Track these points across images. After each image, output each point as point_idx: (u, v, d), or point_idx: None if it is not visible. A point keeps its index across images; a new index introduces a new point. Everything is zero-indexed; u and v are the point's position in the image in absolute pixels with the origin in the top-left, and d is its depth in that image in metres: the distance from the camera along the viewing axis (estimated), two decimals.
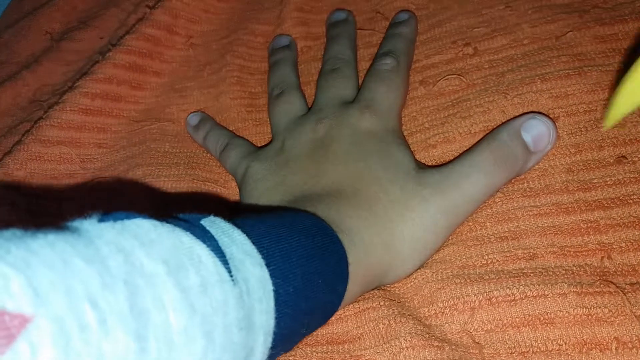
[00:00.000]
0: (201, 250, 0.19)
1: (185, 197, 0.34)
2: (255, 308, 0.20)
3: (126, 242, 0.17)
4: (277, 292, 0.21)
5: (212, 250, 0.19)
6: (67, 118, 0.39)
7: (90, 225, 0.17)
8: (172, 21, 0.43)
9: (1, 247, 0.15)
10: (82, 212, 0.19)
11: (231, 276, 0.19)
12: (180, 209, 0.22)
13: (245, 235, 0.21)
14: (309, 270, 0.23)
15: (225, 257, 0.19)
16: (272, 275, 0.21)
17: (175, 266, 0.17)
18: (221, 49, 0.42)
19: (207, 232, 0.20)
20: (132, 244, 0.17)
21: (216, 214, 0.22)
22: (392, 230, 0.27)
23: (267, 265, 0.21)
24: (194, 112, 0.39)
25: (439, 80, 0.34)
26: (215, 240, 0.20)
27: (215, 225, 0.21)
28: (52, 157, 0.39)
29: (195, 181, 0.35)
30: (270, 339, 0.21)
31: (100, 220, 0.18)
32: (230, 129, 0.38)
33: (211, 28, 0.44)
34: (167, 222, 0.19)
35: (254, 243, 0.21)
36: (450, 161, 0.29)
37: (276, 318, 0.21)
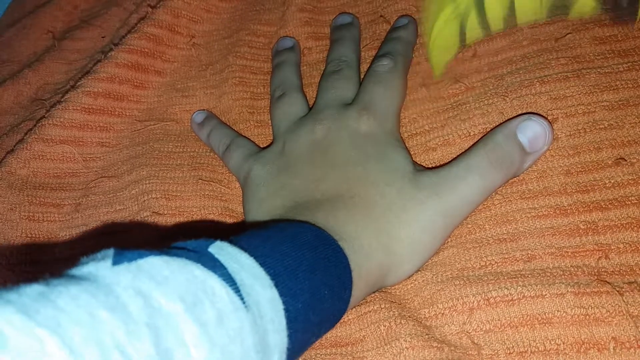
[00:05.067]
0: (214, 281, 0.19)
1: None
2: (268, 329, 0.20)
3: (143, 285, 0.18)
4: (287, 310, 0.21)
5: (224, 279, 0.20)
6: (70, 117, 0.39)
7: (105, 271, 0.18)
8: (174, 20, 0.43)
9: (30, 308, 0.15)
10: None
11: (244, 303, 0.20)
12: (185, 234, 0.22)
13: (252, 258, 0.21)
14: (315, 283, 0.23)
15: (236, 285, 0.20)
16: (281, 295, 0.21)
17: (192, 302, 0.18)
18: (223, 49, 0.42)
19: (217, 260, 0.20)
20: (149, 286, 0.18)
21: (221, 238, 0.22)
22: (389, 233, 0.27)
23: (276, 285, 0.21)
24: (199, 110, 0.39)
25: (439, 82, 0.34)
26: (225, 268, 0.20)
27: (222, 251, 0.21)
28: (55, 156, 0.39)
29: (200, 182, 0.36)
30: (284, 356, 0.21)
31: (114, 263, 0.18)
32: None
33: (213, 28, 0.44)
34: (177, 255, 0.20)
35: (261, 265, 0.21)
36: (447, 163, 0.29)
37: (288, 335, 0.21)
